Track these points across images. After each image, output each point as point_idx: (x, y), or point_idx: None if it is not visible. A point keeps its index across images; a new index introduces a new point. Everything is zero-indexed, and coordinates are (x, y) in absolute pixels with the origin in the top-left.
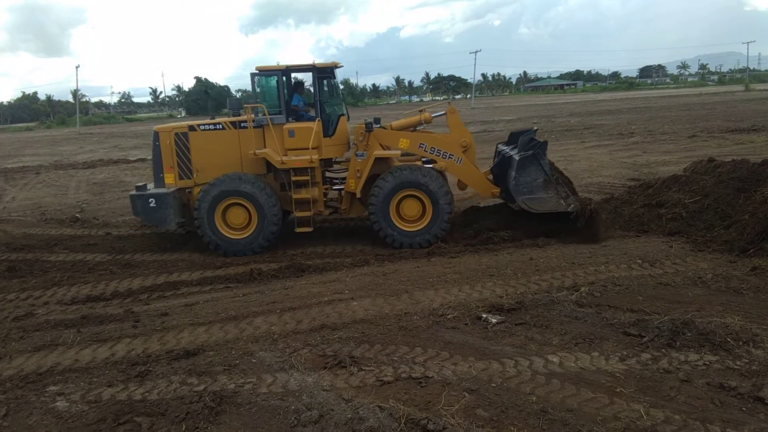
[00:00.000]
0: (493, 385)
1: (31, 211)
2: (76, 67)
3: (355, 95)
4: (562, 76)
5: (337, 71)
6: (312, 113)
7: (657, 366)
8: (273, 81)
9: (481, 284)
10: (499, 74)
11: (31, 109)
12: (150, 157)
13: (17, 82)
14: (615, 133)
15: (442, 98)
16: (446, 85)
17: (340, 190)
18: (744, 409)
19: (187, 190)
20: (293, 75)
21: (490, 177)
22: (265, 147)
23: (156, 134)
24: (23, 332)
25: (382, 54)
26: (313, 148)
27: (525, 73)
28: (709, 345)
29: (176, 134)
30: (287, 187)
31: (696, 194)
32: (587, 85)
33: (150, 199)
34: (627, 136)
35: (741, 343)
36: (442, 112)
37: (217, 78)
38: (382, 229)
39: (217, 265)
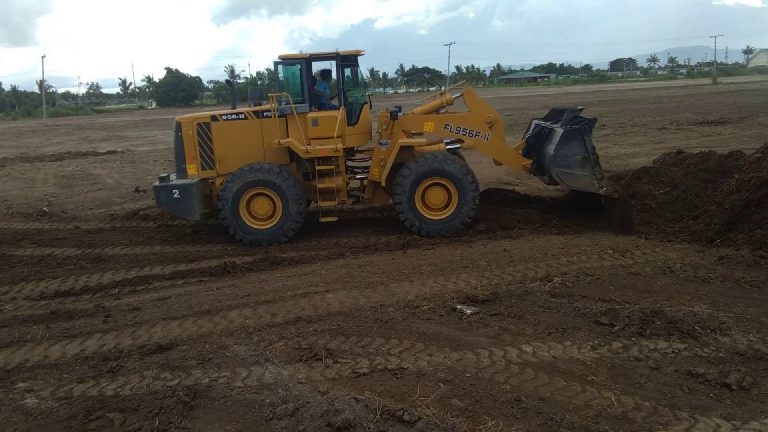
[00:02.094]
0: (467, 375)
1: None
2: (42, 57)
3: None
4: (535, 69)
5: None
6: (335, 102)
7: (627, 354)
8: (296, 70)
9: (455, 276)
10: (473, 66)
11: None
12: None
13: None
14: None
15: (416, 90)
16: (420, 78)
17: (362, 179)
18: (711, 395)
19: (209, 181)
20: (308, 64)
21: (520, 152)
22: (288, 136)
23: (178, 125)
24: None
25: (357, 45)
26: (337, 137)
27: (499, 65)
28: (677, 333)
29: (198, 124)
30: (310, 177)
31: (665, 186)
32: (560, 78)
33: (174, 191)
34: (598, 128)
35: (708, 331)
36: (459, 94)
37: (189, 69)
38: (408, 218)
39: (190, 258)
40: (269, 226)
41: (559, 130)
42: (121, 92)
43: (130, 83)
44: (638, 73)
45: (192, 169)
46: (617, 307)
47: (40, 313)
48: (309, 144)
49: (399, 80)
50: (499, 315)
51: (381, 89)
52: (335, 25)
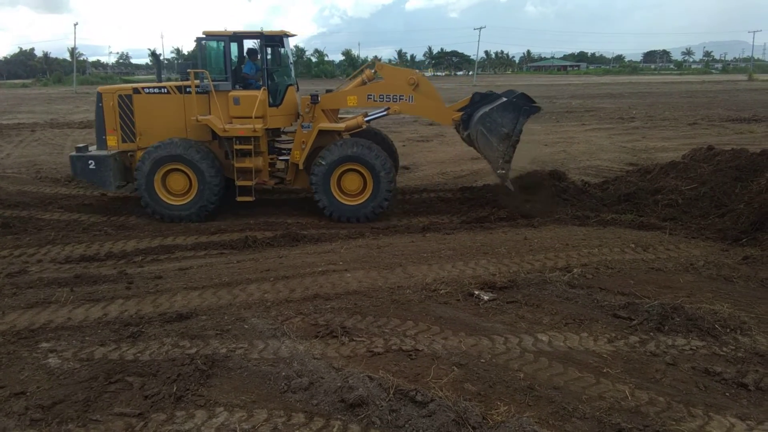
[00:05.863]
0: (482, 360)
1: (26, 169)
2: (75, 25)
3: (357, 67)
4: (565, 57)
5: (290, 40)
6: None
7: (644, 349)
8: (220, 47)
9: (474, 261)
10: (502, 52)
11: (27, 66)
12: None
13: (14, 37)
14: (616, 117)
15: (443, 74)
16: (448, 61)
17: (287, 160)
18: (727, 394)
19: (129, 154)
20: (239, 42)
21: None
22: (210, 114)
23: (99, 95)
24: (16, 289)
25: (386, 26)
26: (257, 117)
27: (528, 52)
28: (696, 331)
29: (120, 96)
30: (231, 155)
31: (693, 181)
32: (590, 68)
33: (89, 161)
34: (627, 120)
35: (728, 330)
36: (374, 70)
37: None
38: (322, 201)
39: (211, 231)
40: (184, 202)
41: (503, 98)
42: (150, 63)
43: (160, 54)
44: (672, 66)
45: (112, 140)
46: (636, 301)
47: (65, 276)
48: (230, 122)
49: (426, 63)
50: (517, 303)
51: None
52: (366, 4)
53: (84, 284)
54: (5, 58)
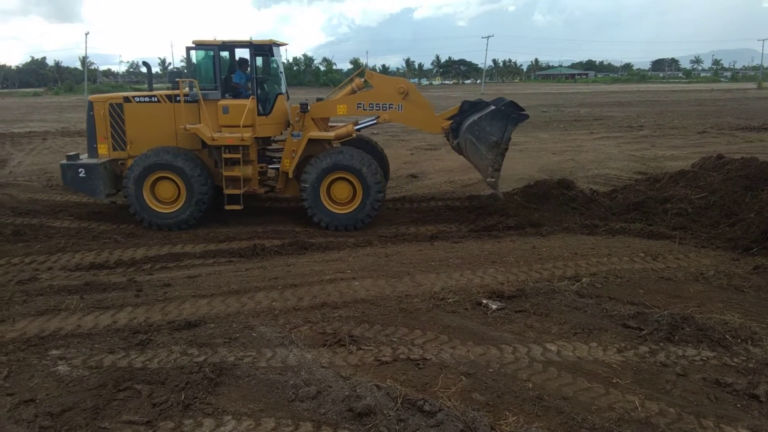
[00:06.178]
0: (490, 370)
1: (37, 177)
2: (86, 34)
3: None
4: (573, 66)
5: (281, 49)
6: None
7: (654, 359)
8: (209, 56)
9: (482, 270)
10: (510, 61)
11: (39, 74)
12: None
13: (26, 46)
14: (624, 125)
15: (451, 82)
16: (456, 70)
17: (277, 168)
18: (739, 405)
19: (120, 162)
20: (230, 51)
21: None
22: (199, 122)
23: (90, 104)
24: (27, 296)
25: (394, 35)
26: (245, 126)
27: (536, 60)
28: (707, 341)
29: (111, 105)
30: (220, 164)
31: (703, 190)
32: (599, 76)
33: (80, 169)
34: (636, 129)
35: (739, 341)
36: (364, 79)
37: None
38: (314, 212)
39: (220, 239)
40: (173, 210)
41: (492, 107)
42: (160, 72)
43: (169, 63)
44: (680, 74)
45: (103, 149)
46: (646, 311)
47: (74, 283)
48: (220, 131)
49: (434, 71)
50: (525, 312)
51: (416, 80)
52: (374, 12)
53: (93, 292)
54: (17, 67)
